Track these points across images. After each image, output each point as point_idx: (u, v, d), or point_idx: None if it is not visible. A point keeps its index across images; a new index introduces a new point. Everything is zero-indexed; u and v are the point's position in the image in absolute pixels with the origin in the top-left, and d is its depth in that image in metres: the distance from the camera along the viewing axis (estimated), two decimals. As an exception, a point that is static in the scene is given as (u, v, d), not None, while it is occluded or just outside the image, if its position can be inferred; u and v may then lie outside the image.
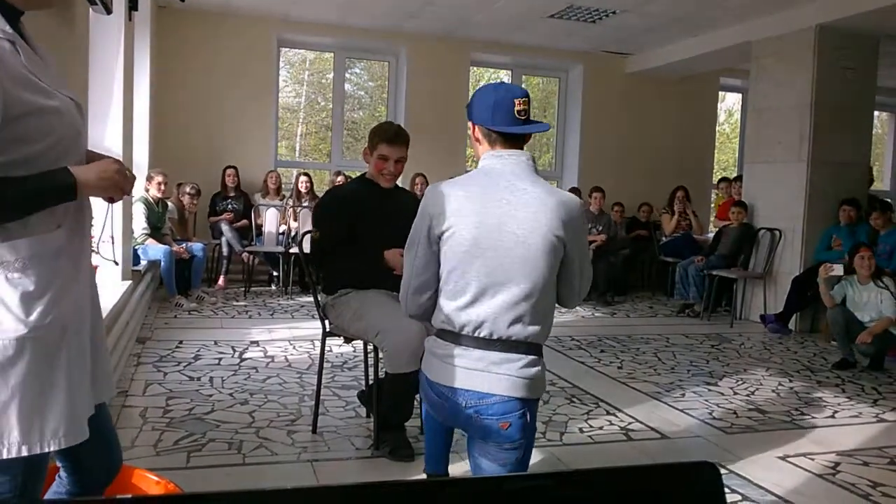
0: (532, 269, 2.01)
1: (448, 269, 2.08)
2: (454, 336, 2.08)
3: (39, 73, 1.42)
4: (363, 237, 3.13)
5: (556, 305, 2.19)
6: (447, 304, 2.09)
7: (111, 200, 1.59)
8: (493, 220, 2.02)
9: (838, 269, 5.64)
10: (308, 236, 3.39)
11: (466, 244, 2.03)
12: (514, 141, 2.12)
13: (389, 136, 3.15)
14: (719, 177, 9.99)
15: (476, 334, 2.04)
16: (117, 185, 1.48)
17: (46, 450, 1.43)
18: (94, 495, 1.68)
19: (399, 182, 3.40)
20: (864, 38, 6.68)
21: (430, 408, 2.23)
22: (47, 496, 1.68)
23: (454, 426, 2.23)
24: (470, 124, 2.17)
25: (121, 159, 1.60)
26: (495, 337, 2.03)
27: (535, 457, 3.16)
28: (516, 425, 2.03)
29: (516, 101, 2.06)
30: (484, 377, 2.03)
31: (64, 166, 1.42)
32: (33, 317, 1.40)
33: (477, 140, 2.17)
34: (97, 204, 1.66)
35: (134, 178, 1.57)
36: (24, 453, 1.40)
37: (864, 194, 6.91)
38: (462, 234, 2.03)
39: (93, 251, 1.67)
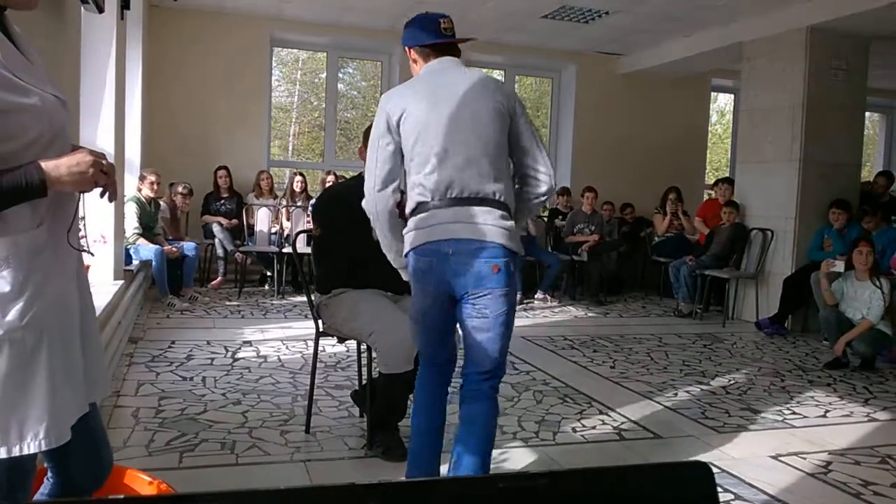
0: (482, 128, 2.30)
1: (411, 144, 2.34)
2: (428, 203, 2.31)
3: (18, 69, 1.37)
4: (360, 235, 3.13)
5: (537, 194, 2.42)
6: (416, 176, 2.34)
7: (109, 197, 1.51)
8: (441, 95, 2.33)
9: (839, 265, 5.65)
10: (302, 236, 3.39)
11: (422, 118, 2.31)
12: (447, 52, 2.43)
13: None
14: (713, 178, 10.01)
15: (448, 195, 2.29)
16: (90, 178, 1.40)
17: (25, 451, 1.39)
18: (83, 497, 1.65)
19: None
20: (855, 39, 6.72)
21: (421, 278, 2.36)
22: (36, 498, 1.65)
23: (446, 289, 2.34)
24: (407, 49, 2.48)
25: (113, 157, 1.57)
26: (465, 194, 2.28)
27: (528, 456, 3.17)
28: (505, 271, 2.25)
29: (441, 21, 2.41)
30: (465, 227, 2.26)
31: (34, 161, 1.35)
32: (9, 318, 1.37)
33: (414, 61, 2.50)
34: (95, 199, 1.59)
35: (112, 168, 1.47)
36: (3, 455, 1.37)
37: (856, 195, 6.93)
38: (417, 112, 2.32)
39: (81, 249, 1.59)
